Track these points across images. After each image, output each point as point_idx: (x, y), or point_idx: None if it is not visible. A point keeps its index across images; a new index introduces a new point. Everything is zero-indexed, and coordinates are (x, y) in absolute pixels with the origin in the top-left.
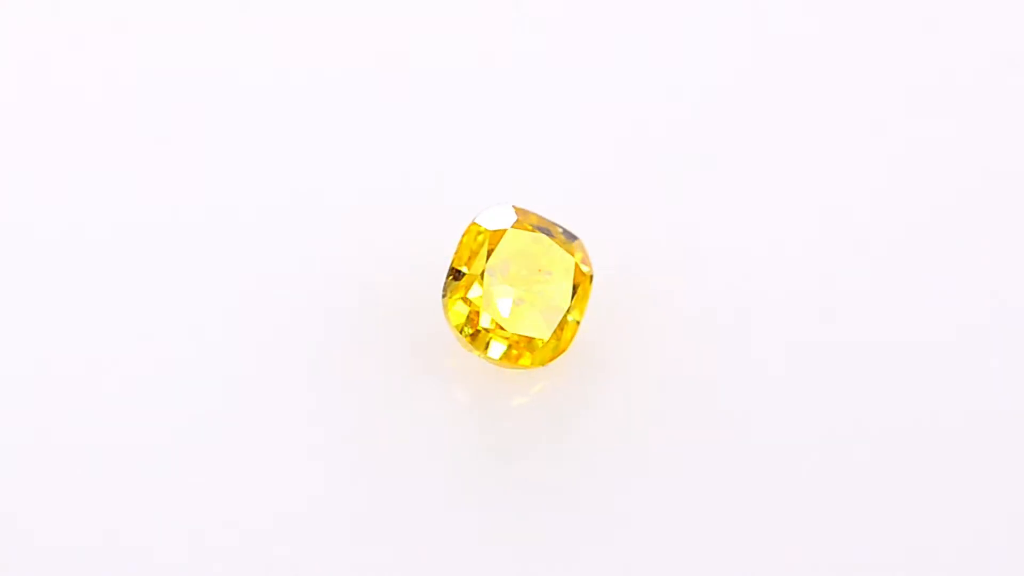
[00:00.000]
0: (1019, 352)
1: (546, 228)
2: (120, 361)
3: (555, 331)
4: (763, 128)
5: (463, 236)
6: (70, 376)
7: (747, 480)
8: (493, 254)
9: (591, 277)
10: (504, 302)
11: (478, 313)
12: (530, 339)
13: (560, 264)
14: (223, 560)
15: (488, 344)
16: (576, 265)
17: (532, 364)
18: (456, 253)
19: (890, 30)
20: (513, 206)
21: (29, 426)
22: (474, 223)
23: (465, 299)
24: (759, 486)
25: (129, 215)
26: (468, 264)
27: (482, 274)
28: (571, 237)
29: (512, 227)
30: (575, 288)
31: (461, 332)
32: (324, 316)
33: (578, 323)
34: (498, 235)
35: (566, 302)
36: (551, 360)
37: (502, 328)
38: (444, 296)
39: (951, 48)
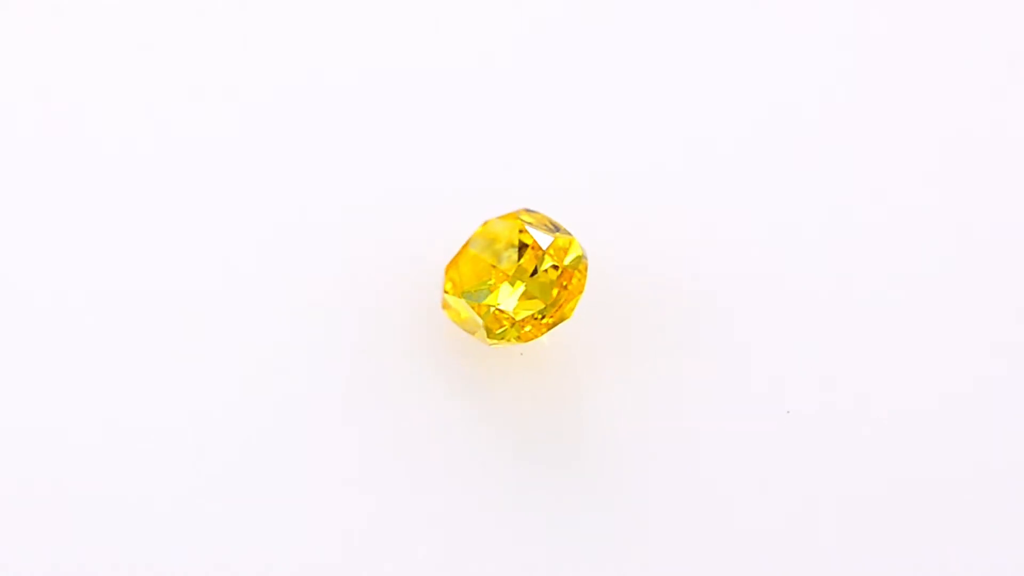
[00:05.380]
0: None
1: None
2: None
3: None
4: (764, 126)
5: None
6: (99, 428)
7: (747, 477)
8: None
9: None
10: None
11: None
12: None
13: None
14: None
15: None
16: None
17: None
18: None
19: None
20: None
21: (88, 469)
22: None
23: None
24: (759, 483)
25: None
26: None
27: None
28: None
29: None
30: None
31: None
32: (325, 322)
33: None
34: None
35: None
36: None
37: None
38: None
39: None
